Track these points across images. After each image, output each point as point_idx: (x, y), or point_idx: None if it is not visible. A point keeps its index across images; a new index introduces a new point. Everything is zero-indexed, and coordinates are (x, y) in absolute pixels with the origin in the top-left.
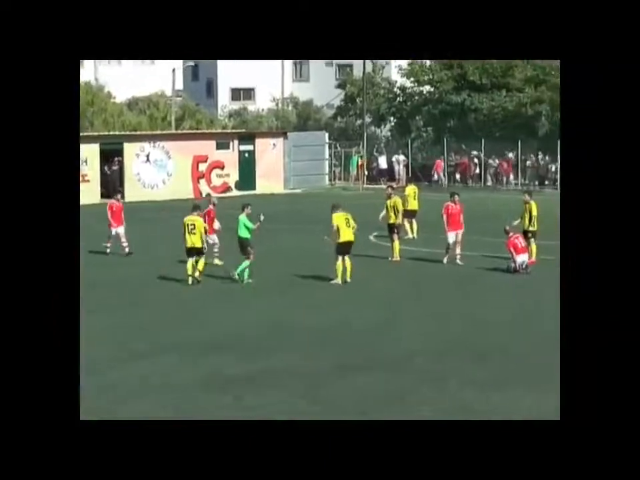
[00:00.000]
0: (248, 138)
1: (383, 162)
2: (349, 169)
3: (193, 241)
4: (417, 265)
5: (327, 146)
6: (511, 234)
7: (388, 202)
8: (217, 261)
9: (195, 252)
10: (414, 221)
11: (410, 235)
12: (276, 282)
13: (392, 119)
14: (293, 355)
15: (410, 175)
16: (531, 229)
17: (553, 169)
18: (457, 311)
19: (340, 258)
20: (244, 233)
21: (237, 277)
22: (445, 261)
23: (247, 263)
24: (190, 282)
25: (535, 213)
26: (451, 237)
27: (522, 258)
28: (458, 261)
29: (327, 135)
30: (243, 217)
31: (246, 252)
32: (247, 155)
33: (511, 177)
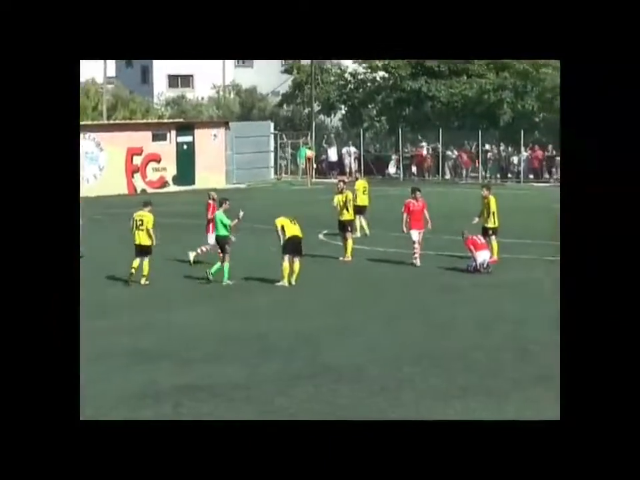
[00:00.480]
0: (186, 128)
1: (333, 154)
2: (296, 162)
3: (140, 238)
4: (370, 266)
5: (272, 137)
6: (467, 235)
7: (339, 197)
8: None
9: (143, 250)
10: (363, 217)
11: (359, 233)
12: (216, 286)
13: (343, 107)
14: (232, 364)
15: (362, 167)
16: (490, 225)
17: (515, 160)
18: (413, 315)
19: (287, 258)
20: (221, 231)
21: (211, 276)
22: (418, 262)
23: (225, 263)
24: (129, 283)
25: (494, 208)
26: (414, 234)
27: (483, 256)
28: (416, 260)
29: (272, 124)
30: (220, 213)
31: (224, 251)
32: (185, 146)
33: (471, 169)
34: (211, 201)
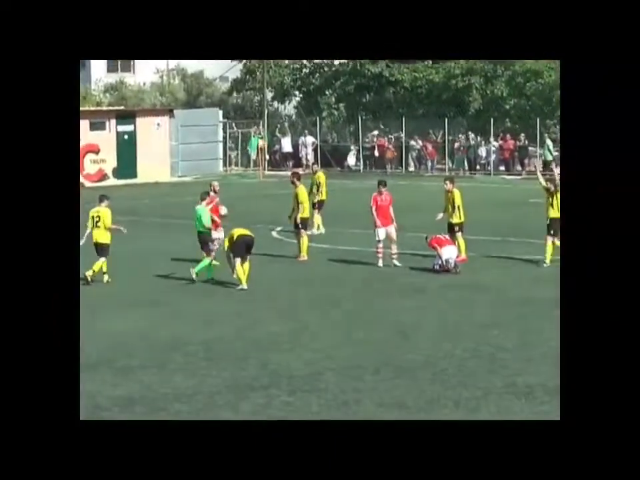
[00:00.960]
0: (127, 117)
1: (287, 144)
2: (247, 153)
3: (97, 236)
4: (328, 265)
5: (220, 126)
6: (430, 238)
7: (295, 191)
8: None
9: (101, 248)
10: (318, 213)
11: (316, 230)
12: (158, 288)
13: (298, 94)
14: (176, 374)
15: (319, 159)
16: (455, 220)
17: (485, 151)
18: (375, 319)
19: (238, 261)
20: (202, 227)
21: (195, 276)
22: (380, 263)
23: (207, 260)
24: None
25: (458, 202)
26: (381, 233)
27: (448, 252)
28: (395, 261)
29: (220, 112)
30: (202, 208)
31: (207, 248)
32: (126, 136)
33: (437, 160)
34: (212, 193)
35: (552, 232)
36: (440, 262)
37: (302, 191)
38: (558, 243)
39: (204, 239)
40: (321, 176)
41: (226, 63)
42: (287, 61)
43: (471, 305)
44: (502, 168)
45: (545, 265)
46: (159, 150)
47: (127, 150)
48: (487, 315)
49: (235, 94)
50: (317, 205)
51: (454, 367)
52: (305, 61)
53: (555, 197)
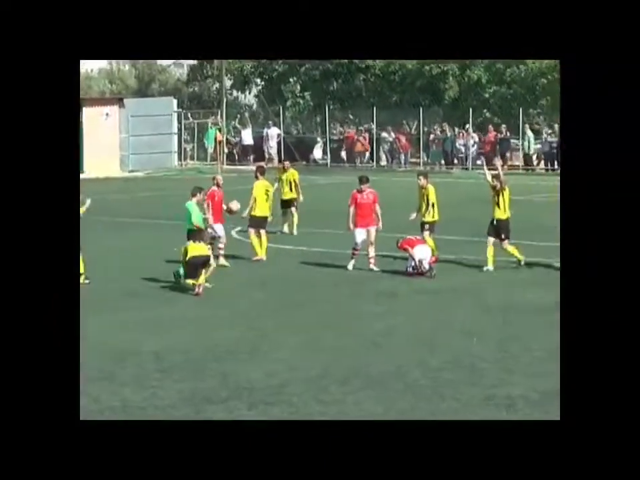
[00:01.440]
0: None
1: (247, 136)
2: (204, 146)
3: None
4: (293, 268)
5: (175, 116)
6: (400, 241)
7: (264, 186)
8: (222, 261)
9: None
10: (295, 212)
11: (287, 229)
12: (109, 293)
13: (259, 81)
14: (126, 387)
15: (282, 152)
16: (428, 219)
17: (462, 144)
18: (342, 326)
19: (190, 280)
20: (193, 225)
21: (181, 278)
22: (350, 266)
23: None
24: None
25: (433, 199)
26: (359, 234)
27: (421, 252)
28: (372, 266)
29: (175, 101)
30: (192, 205)
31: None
32: None
33: (410, 154)
34: (214, 188)
35: (497, 234)
36: (413, 264)
37: (257, 186)
38: (510, 247)
39: (193, 238)
40: (295, 173)
41: None
42: None
43: (447, 311)
44: (479, 162)
45: (486, 269)
46: (108, 142)
47: None
48: (465, 322)
49: (190, 82)
50: (296, 205)
51: (428, 378)
52: None
53: (501, 196)
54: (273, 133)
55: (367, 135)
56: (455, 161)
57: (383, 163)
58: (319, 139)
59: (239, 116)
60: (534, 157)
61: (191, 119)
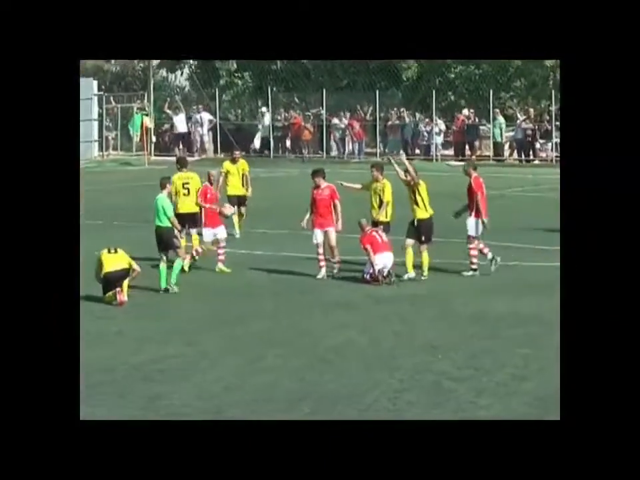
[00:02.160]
0: None
1: (180, 123)
2: (129, 134)
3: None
4: (235, 274)
5: (95, 100)
6: (367, 228)
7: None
8: (221, 267)
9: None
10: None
11: (237, 231)
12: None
13: (192, 61)
14: None
15: (218, 141)
16: (380, 218)
17: (424, 129)
18: (290, 341)
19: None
20: (164, 221)
21: (174, 288)
22: (320, 275)
23: (180, 262)
24: None
25: (388, 197)
26: (318, 236)
27: (383, 260)
28: (334, 270)
29: (95, 83)
30: (163, 199)
31: (168, 246)
32: None
33: (365, 143)
34: (206, 183)
35: (417, 236)
36: (371, 271)
37: (173, 180)
38: (425, 254)
39: (165, 236)
40: (245, 164)
41: None
42: None
43: (409, 323)
44: (446, 152)
45: (407, 277)
46: None
47: None
48: (429, 335)
49: (113, 61)
50: (245, 203)
51: (387, 399)
52: None
53: (417, 192)
54: (204, 118)
55: (315, 122)
56: (417, 151)
57: (334, 153)
58: (259, 126)
59: (168, 100)
60: (506, 146)
61: (113, 103)
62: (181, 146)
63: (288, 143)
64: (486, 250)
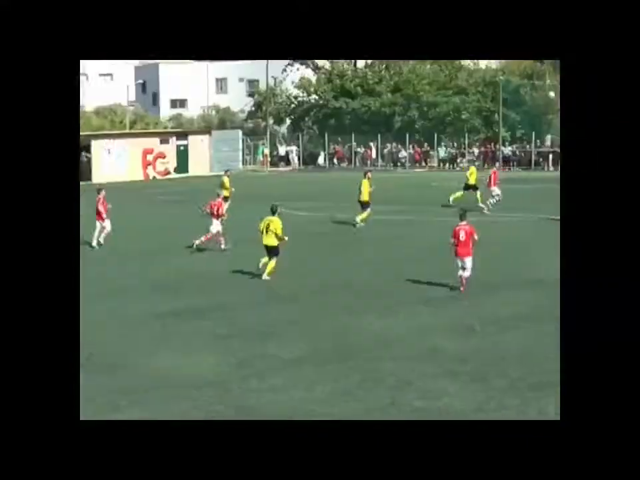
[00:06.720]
0: (183, 135)
1: (282, 151)
2: (256, 157)
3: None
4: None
5: (240, 140)
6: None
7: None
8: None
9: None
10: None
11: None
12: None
13: (288, 120)
14: None
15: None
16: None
17: (403, 154)
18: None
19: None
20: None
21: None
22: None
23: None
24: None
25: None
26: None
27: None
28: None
29: (240, 132)
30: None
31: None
32: (182, 147)
33: (373, 161)
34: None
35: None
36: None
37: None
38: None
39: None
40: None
41: (244, 100)
42: (281, 99)
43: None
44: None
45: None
46: (203, 155)
47: (182, 156)
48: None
49: (249, 121)
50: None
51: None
52: (292, 99)
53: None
54: (294, 149)
55: (349, 149)
56: (399, 164)
57: (357, 165)
58: (321, 152)
59: (277, 139)
60: (443, 162)
61: (249, 142)
62: (282, 163)
63: (335, 160)
64: None
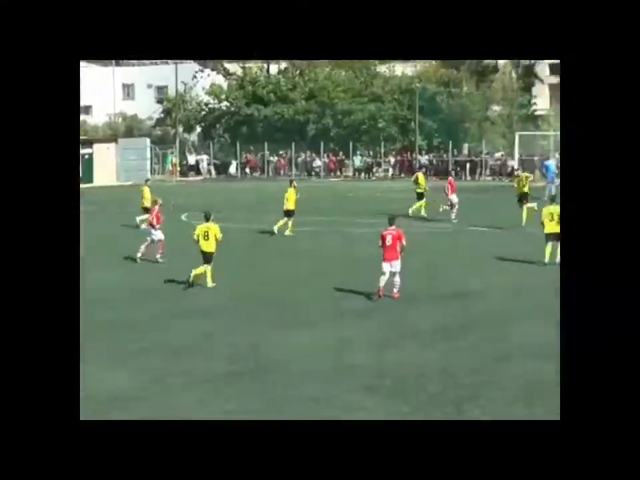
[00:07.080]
0: (87, 143)
1: (192, 160)
2: (164, 166)
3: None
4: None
5: (148, 149)
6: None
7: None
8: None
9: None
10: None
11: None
12: None
13: (198, 127)
14: None
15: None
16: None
17: (317, 163)
18: None
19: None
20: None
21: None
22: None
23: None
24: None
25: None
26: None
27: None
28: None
29: (148, 140)
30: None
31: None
32: (86, 156)
33: (287, 170)
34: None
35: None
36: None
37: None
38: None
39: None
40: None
41: (152, 107)
42: (191, 106)
43: None
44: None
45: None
46: (109, 164)
47: (88, 164)
48: None
49: (157, 128)
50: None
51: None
52: (203, 105)
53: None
54: (204, 158)
55: (262, 158)
56: (313, 173)
57: (270, 174)
58: (233, 161)
59: (186, 147)
60: (359, 171)
61: (158, 150)
62: (192, 172)
63: (247, 169)
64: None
